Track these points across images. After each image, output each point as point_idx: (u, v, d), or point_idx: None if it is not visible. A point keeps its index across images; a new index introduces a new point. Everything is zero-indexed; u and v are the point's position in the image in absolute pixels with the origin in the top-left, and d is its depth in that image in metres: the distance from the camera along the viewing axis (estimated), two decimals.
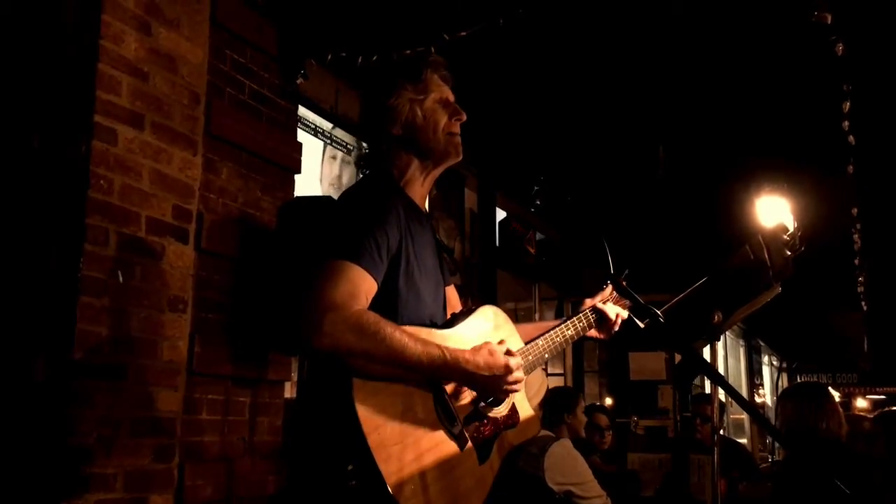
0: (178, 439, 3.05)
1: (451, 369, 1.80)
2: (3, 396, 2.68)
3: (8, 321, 2.74)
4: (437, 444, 1.79)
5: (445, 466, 1.79)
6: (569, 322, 2.27)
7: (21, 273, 2.77)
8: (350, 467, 1.66)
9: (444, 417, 1.83)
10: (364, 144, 5.06)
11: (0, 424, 2.66)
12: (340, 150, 5.11)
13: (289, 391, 3.77)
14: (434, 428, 1.80)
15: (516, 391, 1.96)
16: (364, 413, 1.65)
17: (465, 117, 2.06)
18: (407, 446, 1.71)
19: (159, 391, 2.96)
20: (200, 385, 3.19)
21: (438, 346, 1.78)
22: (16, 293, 2.75)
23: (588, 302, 2.36)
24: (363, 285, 1.74)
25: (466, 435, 1.87)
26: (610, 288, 2.38)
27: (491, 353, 1.87)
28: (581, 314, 2.31)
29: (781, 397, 3.93)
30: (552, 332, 2.21)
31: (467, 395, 1.92)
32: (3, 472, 2.62)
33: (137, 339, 2.87)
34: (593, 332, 2.35)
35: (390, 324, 1.72)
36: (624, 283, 2.21)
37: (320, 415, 1.79)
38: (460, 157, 2.08)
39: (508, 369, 1.88)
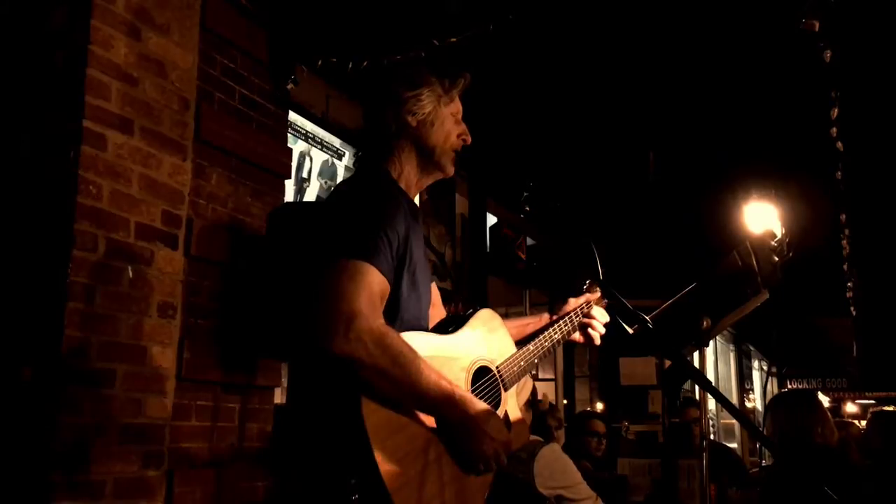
0: (167, 446, 3.03)
1: (454, 406, 1.73)
2: None
3: None
4: (439, 456, 1.77)
5: (447, 478, 1.78)
6: (556, 326, 2.27)
7: (9, 278, 2.75)
8: (353, 481, 1.62)
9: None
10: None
11: None
12: (331, 156, 5.11)
13: (278, 397, 3.76)
14: (434, 439, 1.77)
15: (491, 471, 1.85)
16: (371, 426, 1.61)
17: (470, 141, 2.05)
18: (411, 458, 1.69)
19: (148, 397, 2.94)
20: (189, 391, 3.18)
21: (449, 382, 1.73)
22: (3, 299, 2.74)
23: (572, 302, 2.35)
24: (381, 290, 1.70)
25: None
26: (597, 293, 2.39)
27: (494, 413, 1.84)
28: (567, 318, 2.31)
29: (772, 404, 3.94)
30: (541, 336, 2.22)
31: None
32: None
33: (126, 345, 2.86)
34: (577, 337, 2.36)
35: (412, 348, 1.69)
36: (605, 289, 2.23)
37: (321, 424, 1.73)
38: (451, 174, 2.08)
39: (504, 442, 1.83)
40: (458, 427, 1.75)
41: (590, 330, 2.36)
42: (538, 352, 2.18)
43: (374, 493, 1.60)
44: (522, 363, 2.12)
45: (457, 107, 2.05)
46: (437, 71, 2.03)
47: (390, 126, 1.96)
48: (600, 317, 2.36)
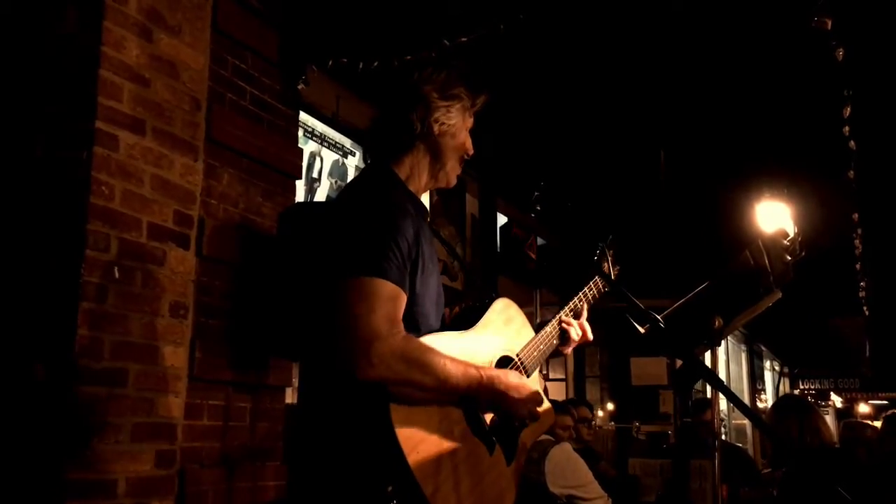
0: (179, 445, 3.04)
1: (486, 388, 1.81)
2: (2, 403, 2.68)
3: (8, 326, 2.74)
4: (470, 451, 1.80)
5: (479, 472, 1.81)
6: (565, 308, 2.31)
7: (22, 279, 2.77)
8: (389, 489, 1.63)
9: (473, 422, 1.84)
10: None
11: (0, 431, 2.66)
12: (341, 156, 5.12)
13: (290, 397, 3.77)
14: (465, 434, 1.80)
15: (537, 419, 1.99)
16: (403, 434, 1.63)
17: (472, 154, 2.08)
18: (444, 459, 1.71)
19: (160, 397, 2.96)
20: (201, 390, 3.19)
21: (476, 368, 1.80)
22: (16, 299, 2.75)
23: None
24: (398, 303, 1.72)
25: (494, 438, 1.90)
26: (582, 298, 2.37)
27: (519, 374, 1.93)
28: (574, 300, 2.33)
29: (770, 415, 4.03)
30: (555, 320, 2.26)
31: None
32: (3, 478, 2.62)
33: (138, 344, 2.87)
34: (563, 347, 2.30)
35: (433, 349, 1.72)
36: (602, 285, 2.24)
37: (348, 433, 1.73)
38: (452, 186, 2.10)
39: (535, 396, 1.92)
40: (492, 403, 1.87)
41: (570, 330, 2.29)
42: (555, 333, 2.20)
43: (411, 498, 1.62)
44: (542, 347, 2.16)
45: (471, 121, 2.07)
46: (470, 83, 2.03)
47: (414, 126, 1.94)
48: (577, 332, 2.29)
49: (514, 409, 1.90)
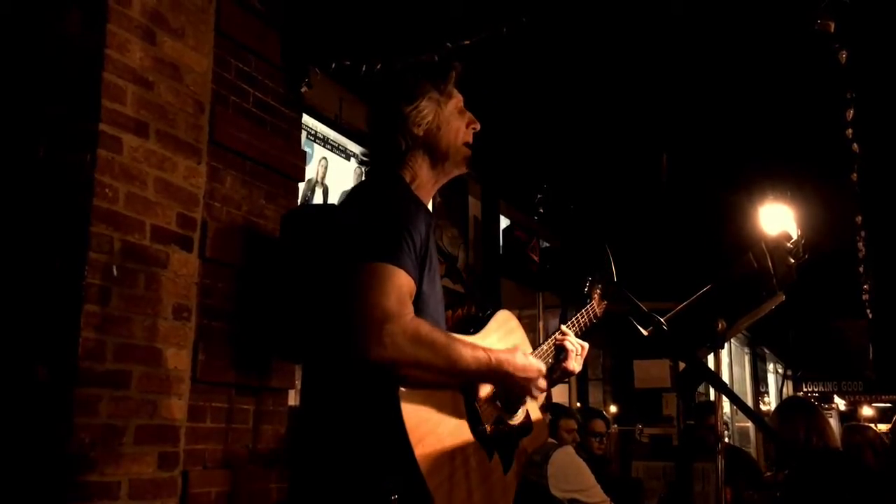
0: (182, 447, 3.05)
1: (495, 371, 1.82)
2: (5, 404, 2.68)
3: (11, 329, 2.74)
4: (472, 455, 1.81)
5: (481, 477, 1.82)
6: (565, 326, 2.29)
7: (25, 281, 2.77)
8: (390, 483, 1.63)
9: (475, 426, 1.85)
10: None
11: (2, 433, 2.66)
12: (343, 158, 5.12)
13: (292, 399, 3.77)
14: (469, 437, 1.81)
15: (541, 394, 2.00)
16: (411, 424, 1.63)
17: (479, 126, 2.07)
18: (449, 458, 1.71)
19: (163, 399, 2.96)
20: (204, 393, 3.19)
21: (484, 350, 1.80)
22: (19, 301, 2.76)
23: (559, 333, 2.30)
24: (408, 289, 1.72)
25: (493, 447, 1.90)
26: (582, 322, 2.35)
27: (525, 354, 1.92)
28: (573, 321, 2.32)
29: (773, 414, 4.02)
30: (553, 336, 2.24)
31: (491, 404, 1.94)
32: (5, 481, 2.62)
33: (141, 346, 2.87)
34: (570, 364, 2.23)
35: (442, 331, 1.74)
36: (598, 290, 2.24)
37: (351, 426, 1.72)
38: (467, 171, 2.09)
39: (540, 372, 1.93)
40: (501, 383, 1.90)
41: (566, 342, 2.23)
42: (550, 352, 2.20)
43: (413, 492, 1.62)
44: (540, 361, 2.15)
45: (456, 99, 2.06)
46: (430, 73, 2.04)
47: (401, 143, 1.98)
48: (573, 340, 2.25)
49: (521, 392, 1.94)
